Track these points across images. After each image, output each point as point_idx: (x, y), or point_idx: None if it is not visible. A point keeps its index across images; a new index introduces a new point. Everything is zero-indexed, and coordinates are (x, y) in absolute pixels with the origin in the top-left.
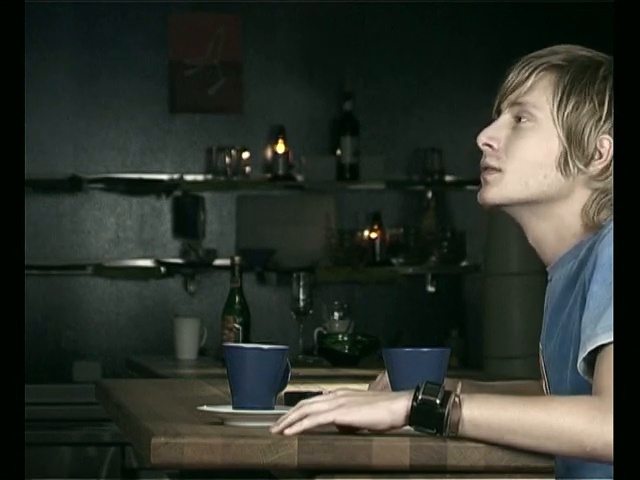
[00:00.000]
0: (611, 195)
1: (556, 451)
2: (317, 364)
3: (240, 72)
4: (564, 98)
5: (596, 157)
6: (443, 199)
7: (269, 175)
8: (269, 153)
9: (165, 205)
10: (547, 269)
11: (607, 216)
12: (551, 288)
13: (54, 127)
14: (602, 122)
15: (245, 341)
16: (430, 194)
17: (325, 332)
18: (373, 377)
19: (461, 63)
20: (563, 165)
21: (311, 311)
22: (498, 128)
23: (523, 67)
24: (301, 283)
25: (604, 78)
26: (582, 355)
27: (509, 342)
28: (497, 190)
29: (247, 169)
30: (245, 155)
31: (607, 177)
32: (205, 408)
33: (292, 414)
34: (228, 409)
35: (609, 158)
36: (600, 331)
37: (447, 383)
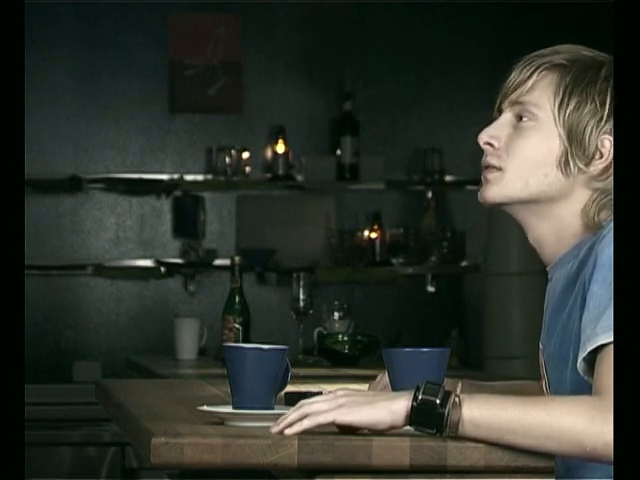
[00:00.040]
0: (611, 195)
1: (556, 451)
2: (317, 364)
3: (240, 72)
4: (565, 98)
5: (597, 157)
6: (443, 199)
7: (269, 175)
8: (269, 153)
9: (165, 205)
10: (547, 269)
11: (607, 216)
12: (551, 288)
13: (54, 127)
14: (603, 122)
15: (245, 341)
16: (430, 194)
17: (325, 332)
18: (373, 377)
19: (461, 63)
20: (564, 164)
21: (311, 311)
22: (499, 127)
23: (525, 66)
24: (301, 283)
25: (606, 78)
26: (582, 355)
27: (509, 342)
28: (498, 189)
29: (247, 169)
30: (245, 155)
31: (608, 177)
32: (205, 408)
33: (292, 414)
34: (228, 409)
35: (610, 158)
36: (600, 331)
37: (447, 383)
